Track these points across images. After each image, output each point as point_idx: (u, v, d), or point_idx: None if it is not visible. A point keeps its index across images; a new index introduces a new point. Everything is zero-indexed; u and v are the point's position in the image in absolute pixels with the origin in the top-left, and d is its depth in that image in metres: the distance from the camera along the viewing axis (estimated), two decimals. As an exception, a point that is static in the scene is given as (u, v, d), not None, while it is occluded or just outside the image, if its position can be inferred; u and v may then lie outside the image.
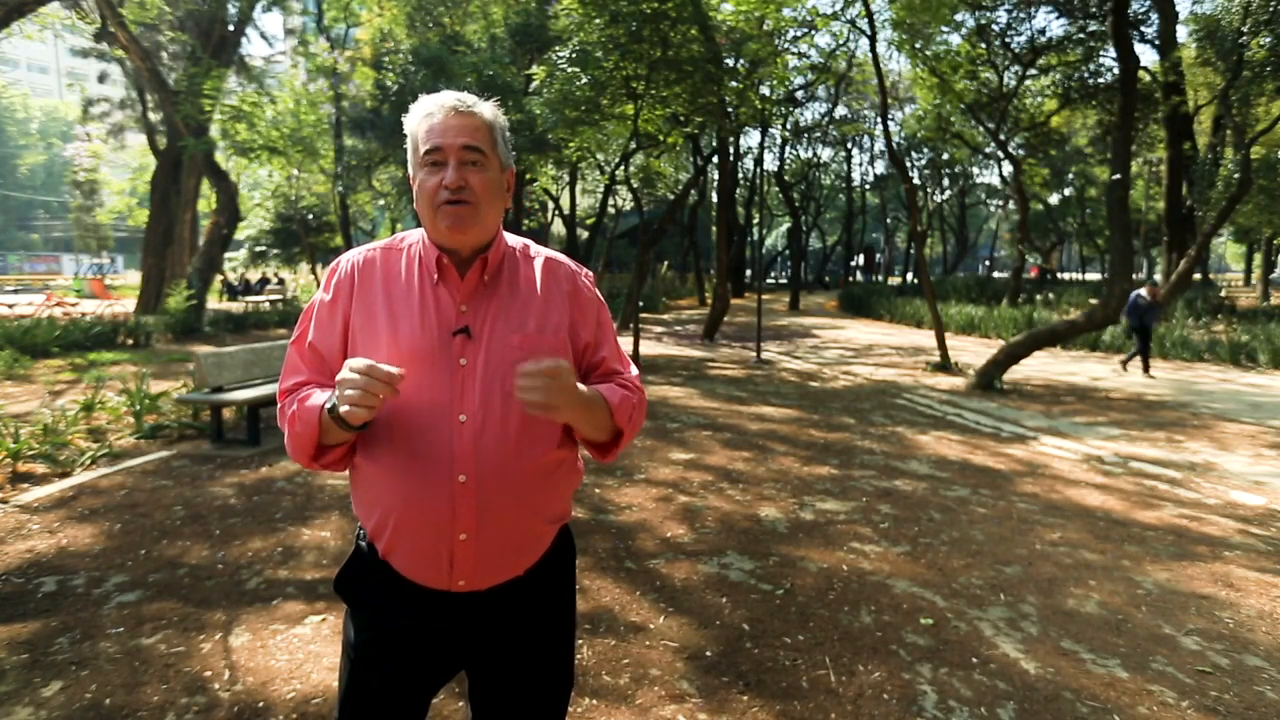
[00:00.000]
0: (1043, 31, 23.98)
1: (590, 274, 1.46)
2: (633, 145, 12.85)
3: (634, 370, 1.44)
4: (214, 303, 19.77)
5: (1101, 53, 19.19)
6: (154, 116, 19.03)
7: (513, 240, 1.40)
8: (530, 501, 1.30)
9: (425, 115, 1.29)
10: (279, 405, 1.35)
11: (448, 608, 1.31)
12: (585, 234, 26.27)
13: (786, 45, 16.47)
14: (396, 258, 1.34)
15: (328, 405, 1.21)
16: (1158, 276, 27.05)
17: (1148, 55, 27.44)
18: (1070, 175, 34.27)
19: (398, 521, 1.27)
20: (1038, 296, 22.89)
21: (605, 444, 1.37)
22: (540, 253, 1.40)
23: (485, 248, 1.32)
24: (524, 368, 1.16)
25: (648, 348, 13.61)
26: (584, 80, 10.91)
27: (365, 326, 1.29)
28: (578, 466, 1.43)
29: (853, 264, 46.70)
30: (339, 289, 1.33)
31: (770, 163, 32.14)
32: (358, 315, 1.31)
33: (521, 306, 1.32)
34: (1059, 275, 43.99)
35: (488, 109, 1.33)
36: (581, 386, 1.25)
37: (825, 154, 39.22)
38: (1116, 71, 14.29)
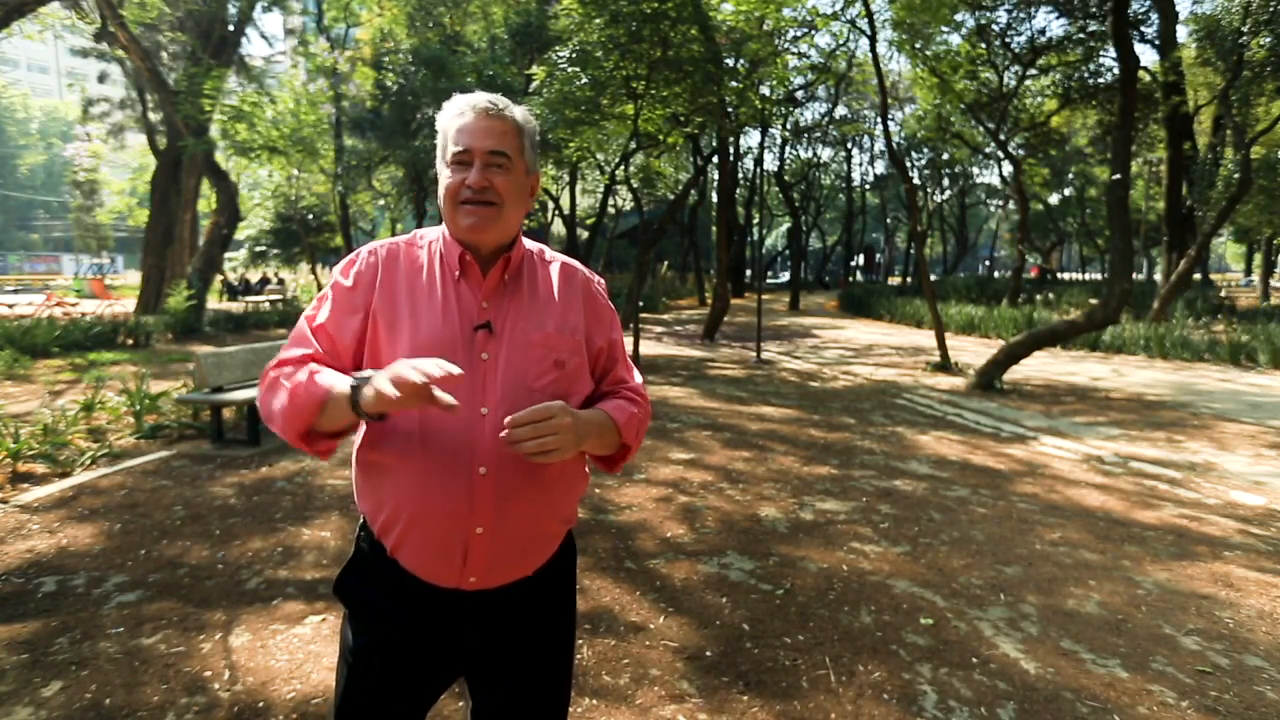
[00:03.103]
0: (1043, 31, 23.94)
1: (603, 281, 1.49)
2: (633, 145, 12.85)
3: (638, 377, 1.47)
4: (214, 303, 19.76)
5: (1101, 53, 19.19)
6: (154, 116, 19.02)
7: (529, 244, 1.43)
8: (545, 498, 1.31)
9: (457, 114, 1.32)
10: (274, 372, 1.28)
11: (454, 607, 1.30)
12: (585, 234, 26.29)
13: (786, 45, 16.46)
14: (417, 253, 1.36)
15: (351, 385, 1.17)
16: (1158, 276, 27.04)
17: (1148, 55, 27.53)
18: (1070, 175, 34.27)
19: (412, 514, 1.25)
20: (1038, 296, 22.88)
21: (611, 457, 1.40)
22: (556, 258, 1.44)
23: (507, 248, 1.35)
24: (510, 421, 1.16)
25: (648, 348, 13.61)
26: (584, 80, 10.90)
27: (388, 318, 1.29)
28: (585, 471, 1.44)
29: (853, 264, 46.71)
30: (360, 279, 1.33)
31: (770, 163, 32.17)
32: (381, 306, 1.30)
33: (541, 307, 1.34)
34: (1059, 275, 43.99)
35: (519, 113, 1.35)
36: (586, 412, 1.29)
37: (825, 154, 39.24)
38: (1116, 71, 14.29)
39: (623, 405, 1.38)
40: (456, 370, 1.10)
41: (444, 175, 1.31)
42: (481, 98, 1.33)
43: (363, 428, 1.31)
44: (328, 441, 1.29)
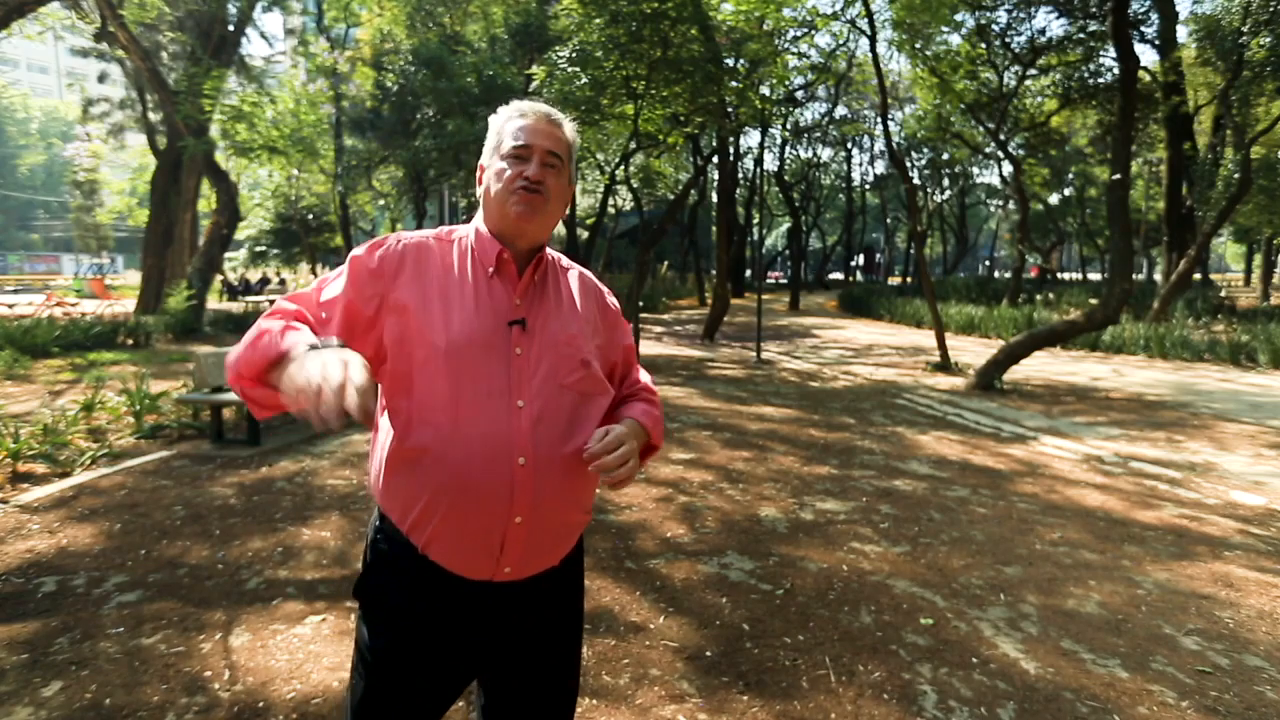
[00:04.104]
0: (1043, 31, 23.98)
1: (613, 295, 1.57)
2: (633, 145, 12.85)
3: (645, 375, 1.57)
4: (214, 303, 19.75)
5: (1101, 53, 19.19)
6: (154, 116, 19.02)
7: (548, 251, 1.48)
8: (575, 488, 1.34)
9: (519, 115, 1.39)
10: (260, 322, 1.23)
11: (482, 601, 1.32)
12: (585, 234, 26.31)
13: (786, 45, 16.45)
14: (448, 248, 1.39)
15: (292, 350, 1.10)
16: (1158, 276, 27.04)
17: (1148, 55, 27.48)
18: (1070, 175, 34.25)
19: (451, 506, 1.26)
20: (1038, 296, 22.88)
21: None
22: (573, 266, 1.52)
23: (539, 249, 1.41)
24: (595, 452, 1.26)
25: (648, 348, 13.61)
26: (584, 80, 10.91)
27: (418, 311, 1.29)
28: None
29: (852, 264, 46.70)
30: (384, 263, 1.32)
31: (770, 163, 32.18)
32: (409, 298, 1.30)
33: (565, 309, 1.41)
34: (1059, 275, 43.98)
35: (570, 128, 1.44)
36: (627, 425, 1.38)
37: (825, 154, 39.28)
38: (1116, 71, 14.29)
39: (647, 409, 1.47)
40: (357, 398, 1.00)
41: (497, 167, 1.36)
42: (543, 106, 1.41)
43: (389, 427, 1.31)
44: (271, 394, 1.17)
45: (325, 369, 1.02)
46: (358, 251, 1.34)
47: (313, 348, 1.10)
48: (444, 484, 1.25)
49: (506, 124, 1.39)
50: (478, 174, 1.43)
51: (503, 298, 1.33)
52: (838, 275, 46.95)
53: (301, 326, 1.21)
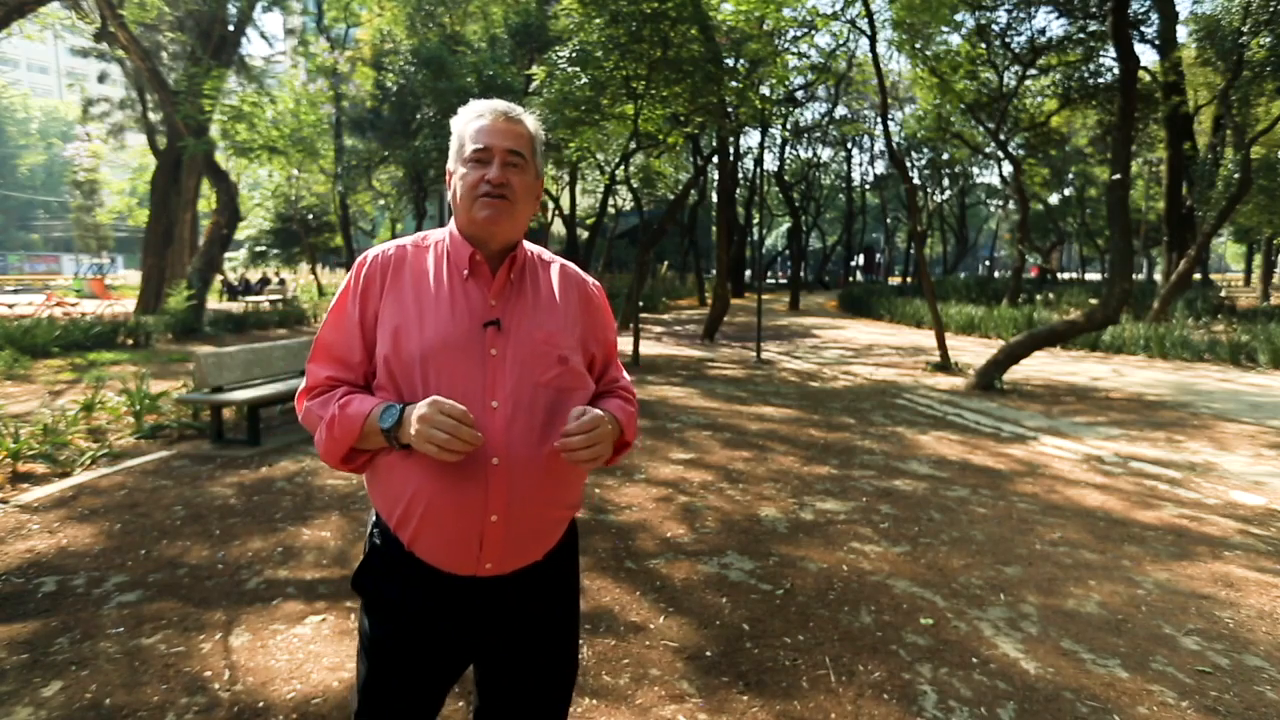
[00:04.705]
0: (1043, 31, 23.97)
1: (599, 285, 1.56)
2: (633, 145, 12.85)
3: (625, 374, 1.58)
4: (214, 303, 19.73)
5: (1101, 53, 19.18)
6: (154, 116, 19.01)
7: (529, 246, 1.49)
8: (553, 485, 1.36)
9: (476, 117, 1.40)
10: (306, 401, 1.38)
11: (470, 595, 1.35)
12: (585, 234, 26.29)
13: (786, 45, 16.46)
14: (424, 254, 1.41)
15: (384, 425, 1.26)
16: (1158, 276, 27.04)
17: (1148, 55, 27.44)
18: (1070, 175, 34.25)
19: (429, 506, 1.30)
20: (1038, 296, 22.88)
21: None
22: (555, 260, 1.51)
23: (511, 247, 1.41)
24: (568, 431, 1.26)
25: (648, 348, 13.60)
26: (584, 80, 10.91)
27: (396, 318, 1.34)
28: None
29: (853, 264, 46.66)
30: (368, 281, 1.38)
31: (770, 163, 32.16)
32: (389, 308, 1.36)
33: (544, 306, 1.41)
34: (1059, 275, 43.94)
35: (531, 121, 1.44)
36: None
37: (825, 154, 39.23)
38: (1116, 71, 14.28)
39: (622, 405, 1.47)
40: (477, 435, 1.21)
41: (460, 173, 1.38)
42: (500, 104, 1.42)
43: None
44: (366, 457, 1.37)
45: (431, 429, 1.20)
46: (345, 283, 1.41)
47: (385, 411, 1.27)
48: (421, 485, 1.30)
49: (466, 127, 1.40)
50: (447, 179, 1.44)
51: (478, 299, 1.35)
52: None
53: (349, 395, 1.34)
